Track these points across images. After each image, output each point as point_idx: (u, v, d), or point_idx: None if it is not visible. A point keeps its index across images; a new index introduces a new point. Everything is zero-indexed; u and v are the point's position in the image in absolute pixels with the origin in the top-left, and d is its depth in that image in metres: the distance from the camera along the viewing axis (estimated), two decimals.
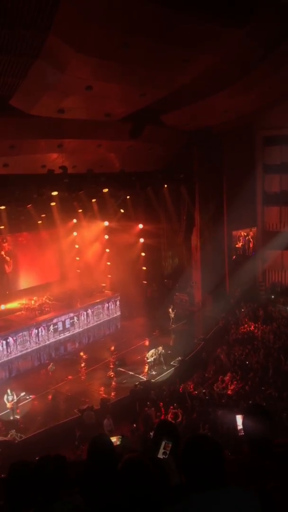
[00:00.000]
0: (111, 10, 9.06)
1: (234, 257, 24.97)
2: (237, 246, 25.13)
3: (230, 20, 10.29)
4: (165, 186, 22.68)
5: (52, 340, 21.52)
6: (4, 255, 22.80)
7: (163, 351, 19.07)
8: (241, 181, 23.37)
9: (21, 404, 15.70)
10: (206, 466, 2.10)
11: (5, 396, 15.39)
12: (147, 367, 18.83)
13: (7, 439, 13.83)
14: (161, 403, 15.19)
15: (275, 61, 13.80)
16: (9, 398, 15.38)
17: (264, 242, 25.26)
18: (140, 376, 18.23)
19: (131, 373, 18.61)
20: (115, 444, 5.65)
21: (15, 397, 15.46)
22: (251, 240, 25.63)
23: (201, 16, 9.80)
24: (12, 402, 15.34)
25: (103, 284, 25.49)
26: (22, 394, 15.82)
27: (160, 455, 2.96)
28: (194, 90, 15.09)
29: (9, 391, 15.56)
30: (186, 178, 22.64)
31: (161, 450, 2.98)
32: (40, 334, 20.97)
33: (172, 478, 2.77)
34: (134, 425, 14.37)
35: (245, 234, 25.47)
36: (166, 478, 2.74)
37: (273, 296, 24.30)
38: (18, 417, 15.31)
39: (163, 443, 2.99)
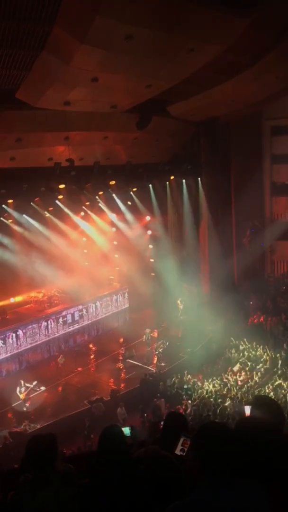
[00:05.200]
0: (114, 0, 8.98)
1: (242, 245, 24.76)
2: (244, 240, 24.90)
3: (236, 8, 10.16)
4: (172, 177, 22.57)
5: (61, 332, 21.62)
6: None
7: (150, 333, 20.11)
8: (249, 171, 23.18)
9: (32, 395, 15.86)
10: (220, 452, 2.11)
11: (18, 388, 15.58)
12: (156, 358, 18.89)
13: (19, 430, 14.00)
14: (170, 395, 15.27)
15: (282, 51, 13.60)
16: (22, 390, 15.57)
17: (272, 233, 25.08)
18: (149, 368, 18.30)
19: (140, 364, 18.69)
20: None
21: (29, 385, 15.65)
22: (259, 231, 25.38)
23: (207, 5, 9.68)
24: (25, 393, 15.54)
25: (111, 277, 25.50)
26: (34, 383, 15.97)
27: (178, 452, 2.90)
28: (200, 80, 14.94)
29: (22, 382, 15.76)
30: (193, 170, 22.50)
31: (179, 447, 2.90)
32: (49, 326, 21.09)
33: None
34: (145, 414, 14.52)
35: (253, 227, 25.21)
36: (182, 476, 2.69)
37: (284, 288, 24.14)
38: (29, 405, 15.49)
39: (182, 439, 2.91)
